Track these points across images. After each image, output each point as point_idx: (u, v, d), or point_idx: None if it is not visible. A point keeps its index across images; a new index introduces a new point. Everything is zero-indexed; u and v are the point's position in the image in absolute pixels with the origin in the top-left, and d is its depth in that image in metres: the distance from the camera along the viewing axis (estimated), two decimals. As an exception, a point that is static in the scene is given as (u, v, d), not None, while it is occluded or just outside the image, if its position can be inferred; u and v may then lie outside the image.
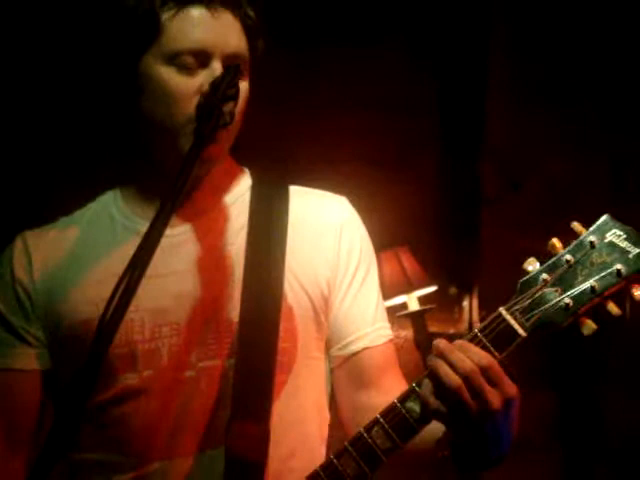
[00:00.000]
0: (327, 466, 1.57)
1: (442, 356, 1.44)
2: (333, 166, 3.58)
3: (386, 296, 3.40)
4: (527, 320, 1.47)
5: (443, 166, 3.75)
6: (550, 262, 1.49)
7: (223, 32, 1.64)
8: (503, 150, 3.54)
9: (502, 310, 1.50)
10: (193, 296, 1.67)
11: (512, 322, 1.48)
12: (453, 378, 1.41)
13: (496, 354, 1.47)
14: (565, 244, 1.49)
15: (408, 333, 3.58)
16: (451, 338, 3.71)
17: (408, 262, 3.44)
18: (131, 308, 1.55)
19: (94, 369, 1.32)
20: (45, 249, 1.78)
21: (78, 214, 1.84)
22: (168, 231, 1.62)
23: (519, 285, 1.51)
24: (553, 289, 1.47)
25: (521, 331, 1.47)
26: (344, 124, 3.63)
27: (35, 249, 1.78)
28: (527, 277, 1.50)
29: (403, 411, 1.51)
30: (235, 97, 1.58)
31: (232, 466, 1.58)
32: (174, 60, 1.61)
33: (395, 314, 3.47)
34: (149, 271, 1.53)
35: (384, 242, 3.44)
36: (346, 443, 1.56)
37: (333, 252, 1.75)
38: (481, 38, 3.64)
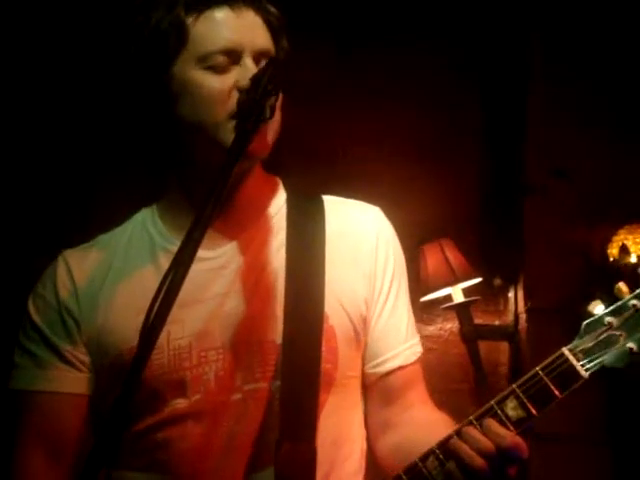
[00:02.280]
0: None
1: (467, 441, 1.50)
2: (375, 160, 3.58)
3: (430, 288, 3.44)
4: (589, 362, 1.49)
5: (485, 156, 3.72)
6: (616, 306, 1.50)
7: (249, 29, 1.64)
8: (546, 138, 3.49)
9: (565, 350, 1.51)
10: (237, 318, 1.67)
11: (574, 363, 1.50)
12: (477, 461, 1.48)
13: (557, 393, 1.50)
14: (631, 289, 1.50)
15: (453, 325, 3.56)
16: (497, 330, 3.70)
17: (452, 254, 3.41)
18: (178, 335, 1.64)
19: (129, 396, 1.31)
20: (87, 271, 1.76)
21: (117, 233, 1.82)
22: (207, 254, 1.68)
23: (583, 326, 1.52)
24: (618, 333, 1.49)
25: (583, 373, 1.49)
26: (383, 116, 3.62)
27: (78, 272, 1.76)
28: (592, 319, 1.52)
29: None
30: (276, 91, 1.57)
31: None
32: (205, 62, 1.61)
33: (440, 306, 3.46)
34: (193, 296, 1.59)
35: (427, 234, 3.43)
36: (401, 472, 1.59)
37: (370, 270, 1.74)
38: (522, 23, 3.59)
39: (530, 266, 3.49)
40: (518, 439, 1.49)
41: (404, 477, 1.58)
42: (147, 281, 1.69)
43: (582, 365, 1.49)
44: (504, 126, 3.69)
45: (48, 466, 1.74)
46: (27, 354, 1.75)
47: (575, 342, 1.51)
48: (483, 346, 3.43)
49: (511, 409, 1.51)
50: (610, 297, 1.51)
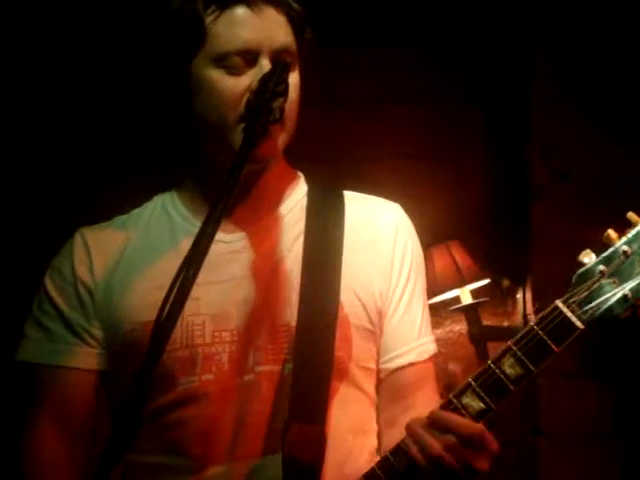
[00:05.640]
0: (383, 463, 1.59)
1: (414, 438, 1.50)
2: (380, 163, 3.59)
3: (439, 290, 3.44)
4: (584, 312, 1.47)
5: (490, 158, 3.73)
6: (606, 254, 1.48)
7: (268, 29, 1.64)
8: (550, 139, 3.50)
9: (559, 303, 1.48)
10: (252, 302, 1.68)
11: (569, 315, 1.47)
12: (421, 460, 1.48)
13: (554, 347, 1.47)
14: (621, 235, 1.47)
15: (462, 327, 3.56)
16: (505, 331, 3.69)
17: (460, 256, 3.42)
18: (193, 311, 1.64)
19: (150, 372, 1.32)
20: (104, 248, 1.78)
21: (135, 214, 1.85)
22: (226, 237, 1.69)
23: (575, 277, 1.50)
24: (610, 281, 1.46)
25: (579, 323, 1.47)
26: (388, 119, 3.64)
27: (95, 247, 1.78)
28: (583, 269, 1.49)
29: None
30: (284, 93, 1.58)
31: (290, 468, 1.58)
32: (222, 62, 1.62)
33: (448, 308, 3.47)
34: (210, 277, 1.58)
35: (435, 237, 3.44)
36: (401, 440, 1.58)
37: (387, 263, 1.75)
38: (526, 25, 3.60)
39: (538, 267, 3.49)
40: (478, 426, 1.48)
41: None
42: (166, 260, 1.70)
43: (577, 316, 1.47)
44: (510, 128, 3.69)
45: (57, 439, 1.76)
46: (39, 326, 1.77)
47: (568, 293, 1.48)
48: (492, 347, 3.42)
49: (509, 367, 1.49)
50: (597, 244, 1.48)
